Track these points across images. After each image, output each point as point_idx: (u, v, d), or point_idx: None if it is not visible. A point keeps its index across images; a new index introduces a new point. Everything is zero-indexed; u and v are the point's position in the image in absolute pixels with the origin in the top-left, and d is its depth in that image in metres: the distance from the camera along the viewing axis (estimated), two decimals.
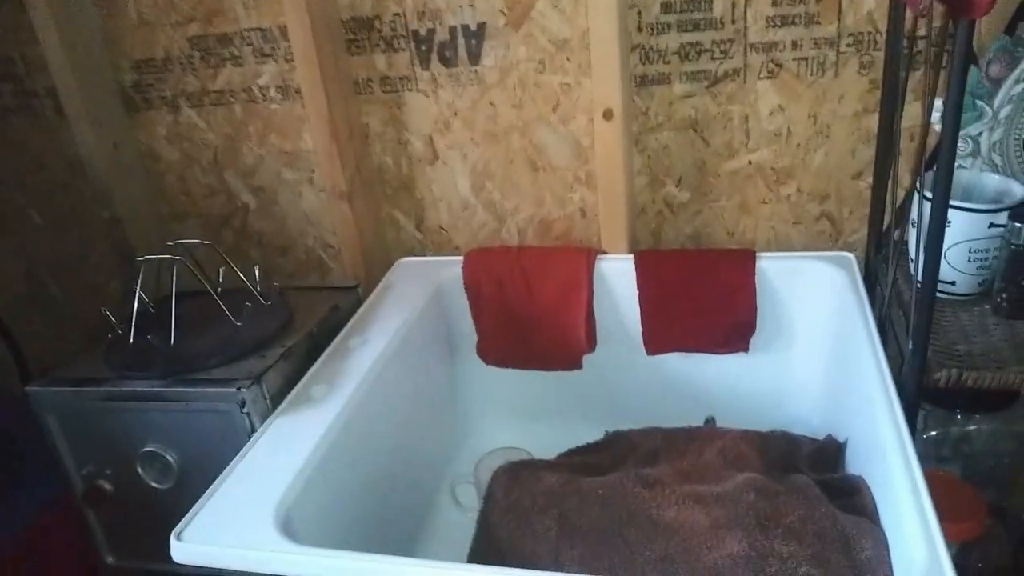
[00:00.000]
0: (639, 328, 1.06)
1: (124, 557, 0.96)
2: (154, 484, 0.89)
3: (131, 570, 0.97)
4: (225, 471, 0.74)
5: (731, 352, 1.04)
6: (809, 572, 0.63)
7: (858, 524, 0.67)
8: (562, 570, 0.69)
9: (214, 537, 0.67)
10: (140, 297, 0.95)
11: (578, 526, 0.74)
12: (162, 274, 0.96)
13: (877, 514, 0.69)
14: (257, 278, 1.00)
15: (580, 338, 1.06)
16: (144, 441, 0.87)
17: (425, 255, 1.20)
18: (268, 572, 0.67)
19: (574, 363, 1.09)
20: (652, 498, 0.74)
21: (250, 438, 0.81)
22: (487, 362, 1.12)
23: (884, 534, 0.65)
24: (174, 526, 0.89)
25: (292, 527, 0.68)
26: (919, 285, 0.68)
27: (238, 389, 0.81)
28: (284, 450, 0.76)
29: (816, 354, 0.99)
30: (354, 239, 1.14)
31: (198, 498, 0.72)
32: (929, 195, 0.63)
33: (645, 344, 1.06)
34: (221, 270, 1.01)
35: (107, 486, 0.91)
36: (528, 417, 1.13)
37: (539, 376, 1.12)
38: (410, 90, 1.09)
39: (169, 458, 0.87)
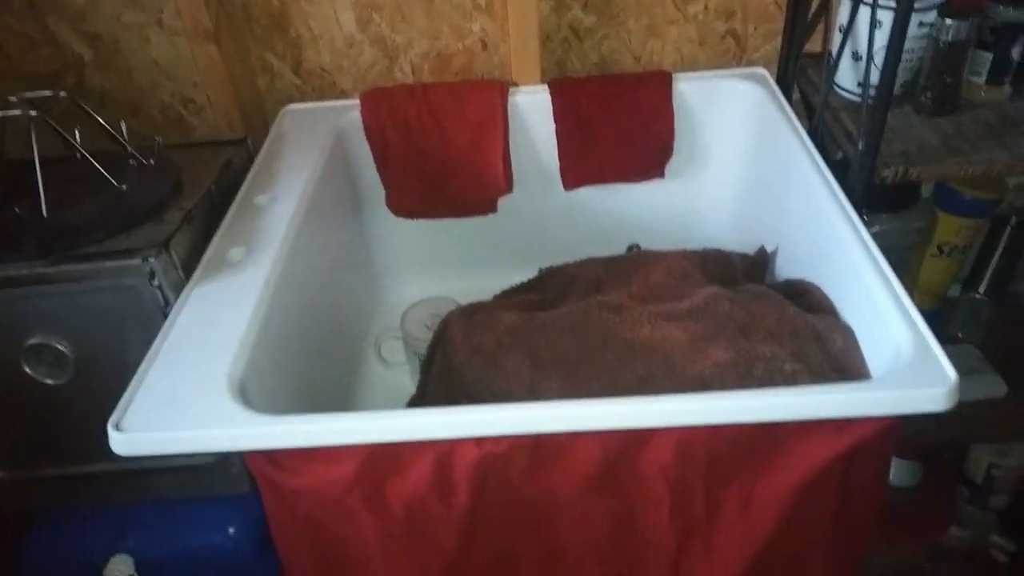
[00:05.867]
0: (554, 164, 1.02)
1: (15, 467, 0.84)
2: (46, 380, 0.76)
3: (24, 480, 0.85)
4: (152, 349, 0.64)
5: (648, 179, 1.03)
6: (793, 368, 0.65)
7: (825, 320, 0.69)
8: None
9: (161, 420, 0.58)
10: None
11: (551, 359, 0.72)
12: (4, 135, 0.79)
13: (835, 310, 0.71)
14: (126, 135, 0.84)
15: (498, 178, 1.00)
16: (28, 333, 0.73)
17: (305, 103, 1.06)
18: (235, 448, 0.59)
19: (490, 207, 1.04)
20: (622, 321, 0.72)
21: (164, 313, 0.70)
22: (398, 213, 1.04)
23: (850, 326, 0.68)
24: (78, 422, 0.79)
25: (248, 398, 0.61)
26: (873, 86, 0.67)
27: (144, 259, 0.69)
28: (216, 319, 0.67)
29: (731, 173, 1.00)
30: (226, 87, 1.00)
31: (104, 387, 0.62)
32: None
33: (563, 178, 1.02)
34: (77, 130, 0.84)
35: None
36: (448, 268, 1.08)
37: (454, 224, 1.06)
38: None
39: (61, 348, 0.74)
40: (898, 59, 0.64)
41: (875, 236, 0.95)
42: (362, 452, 0.58)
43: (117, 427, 0.58)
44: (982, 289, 1.09)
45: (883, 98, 0.67)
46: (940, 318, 1.12)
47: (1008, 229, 1.06)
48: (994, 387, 1.01)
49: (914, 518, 1.22)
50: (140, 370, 0.62)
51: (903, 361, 0.57)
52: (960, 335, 1.10)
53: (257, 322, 0.67)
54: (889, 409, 0.56)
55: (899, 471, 1.23)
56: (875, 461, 0.63)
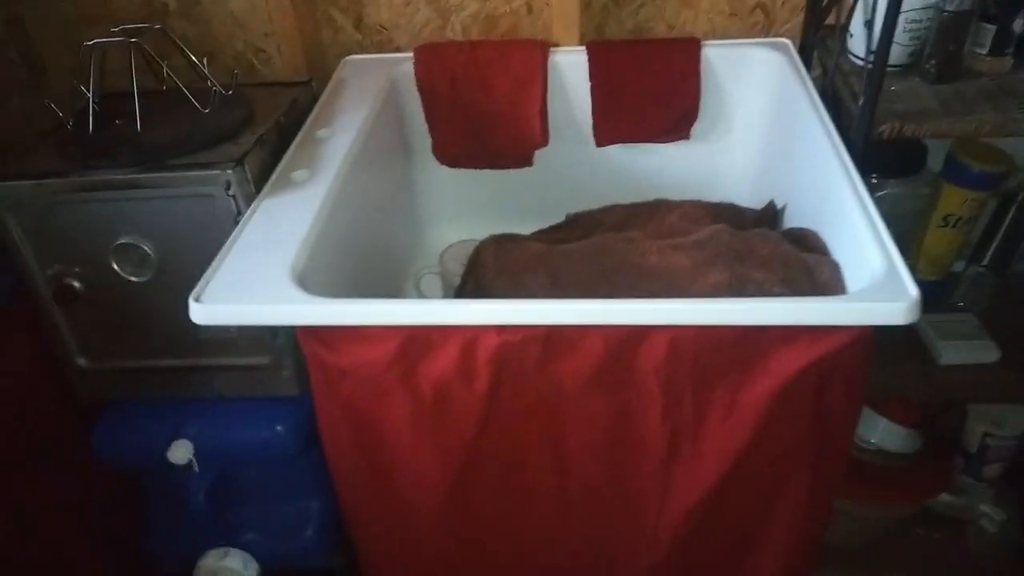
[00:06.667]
0: (587, 121, 1.11)
1: (96, 358, 0.96)
2: (131, 278, 0.88)
3: (104, 371, 0.97)
4: (228, 242, 0.75)
5: (674, 140, 1.11)
6: (781, 291, 0.73)
7: (815, 256, 0.77)
8: None
9: (233, 296, 0.69)
10: (82, 92, 0.90)
11: (569, 280, 0.81)
12: (104, 66, 0.91)
13: (827, 250, 0.79)
14: (207, 71, 0.96)
15: (535, 132, 1.09)
16: (118, 234, 0.85)
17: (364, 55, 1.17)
18: (292, 322, 0.70)
19: (526, 160, 1.13)
20: (635, 250, 0.81)
21: (236, 221, 0.81)
22: (442, 161, 1.14)
23: (837, 262, 0.76)
24: (155, 318, 0.91)
25: (306, 285, 0.71)
26: (873, 47, 0.75)
27: (222, 170, 0.80)
28: (281, 224, 0.77)
29: (753, 137, 1.08)
30: (295, 36, 1.10)
31: (180, 287, 0.71)
32: None
33: (595, 135, 1.11)
34: (165, 65, 0.96)
35: (77, 284, 0.89)
36: (485, 215, 1.17)
37: (493, 174, 1.15)
38: None
39: (146, 248, 0.86)
40: (894, 22, 0.72)
41: (884, 199, 1.03)
42: (399, 334, 0.69)
43: (197, 299, 0.69)
44: (985, 262, 1.15)
45: (881, 59, 0.75)
46: (944, 288, 1.19)
47: (1014, 206, 1.12)
48: (988, 352, 1.07)
49: (908, 482, 1.28)
50: (217, 257, 0.73)
51: (874, 281, 0.65)
52: (962, 305, 1.17)
53: (316, 228, 0.77)
54: (857, 319, 0.64)
55: (899, 438, 1.29)
56: (848, 376, 0.71)
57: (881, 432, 1.28)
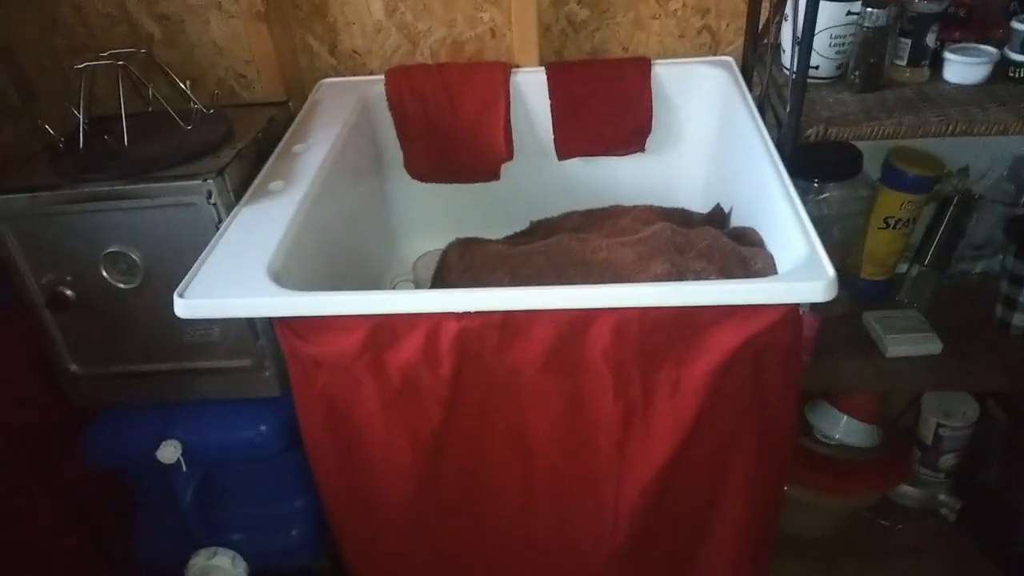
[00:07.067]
0: (549, 137, 1.18)
1: (88, 364, 1.01)
2: (120, 284, 0.94)
3: (95, 376, 1.02)
4: (209, 244, 0.81)
5: (630, 153, 1.19)
6: (718, 280, 0.80)
7: (751, 249, 0.84)
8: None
9: (215, 291, 0.75)
10: (72, 114, 0.97)
11: (526, 275, 0.88)
12: (93, 90, 0.98)
13: (763, 244, 0.86)
14: (189, 92, 1.03)
15: (500, 147, 1.17)
16: (107, 243, 0.91)
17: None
18: (268, 314, 0.76)
19: (493, 174, 1.21)
20: (586, 247, 0.88)
21: (217, 228, 0.87)
22: (413, 176, 1.21)
23: (771, 254, 0.83)
24: (142, 324, 0.96)
25: (281, 284, 0.77)
26: (796, 56, 0.83)
27: (204, 180, 0.87)
28: (259, 229, 0.84)
29: (702, 147, 1.16)
30: (272, 61, 1.18)
31: (165, 293, 0.77)
32: None
33: (557, 150, 1.18)
34: (151, 87, 1.03)
35: (69, 292, 0.94)
36: (454, 225, 1.23)
37: (461, 188, 1.23)
38: None
39: (134, 256, 0.92)
40: (811, 36, 0.80)
41: (826, 201, 1.11)
42: (366, 324, 0.75)
43: (181, 295, 0.75)
44: (927, 262, 1.23)
45: (802, 68, 0.83)
46: (890, 287, 1.26)
47: (951, 208, 1.20)
48: (931, 344, 1.14)
49: (868, 473, 1.35)
50: (200, 259, 0.79)
51: (797, 264, 0.72)
52: (906, 302, 1.24)
53: (292, 232, 0.84)
54: (782, 297, 0.71)
55: (860, 434, 1.35)
56: (782, 355, 0.77)
57: (843, 428, 1.35)
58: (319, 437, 0.87)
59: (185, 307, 0.75)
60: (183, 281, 0.76)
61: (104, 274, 0.93)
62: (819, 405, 1.37)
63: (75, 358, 1.01)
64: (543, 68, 1.15)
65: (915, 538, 1.42)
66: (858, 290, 1.24)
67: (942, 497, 1.41)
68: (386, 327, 0.75)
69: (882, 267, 1.24)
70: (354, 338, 0.75)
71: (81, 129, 0.92)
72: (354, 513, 0.93)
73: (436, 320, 0.74)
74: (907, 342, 1.15)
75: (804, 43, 0.83)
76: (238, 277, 0.76)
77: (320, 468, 0.90)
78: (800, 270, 0.72)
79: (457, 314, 0.74)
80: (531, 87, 1.16)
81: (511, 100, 1.15)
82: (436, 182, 1.22)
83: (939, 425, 1.34)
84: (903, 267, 1.27)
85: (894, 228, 1.19)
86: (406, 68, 1.18)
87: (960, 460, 1.38)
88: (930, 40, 0.95)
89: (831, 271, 0.70)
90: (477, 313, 0.73)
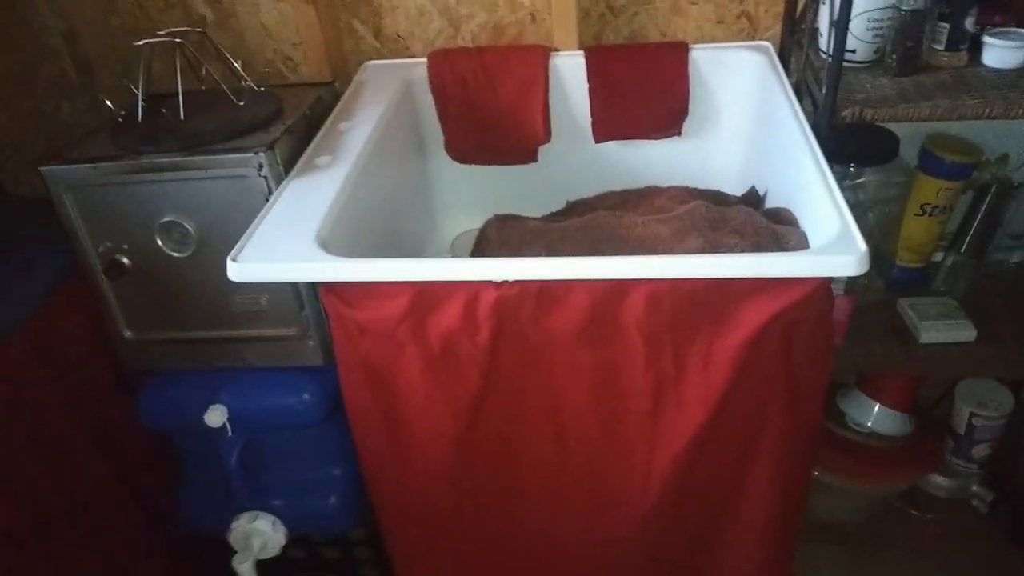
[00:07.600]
0: (586, 119, 1.21)
1: (142, 329, 1.06)
2: (174, 253, 0.98)
3: (147, 341, 1.07)
4: (260, 213, 0.85)
5: (666, 136, 1.20)
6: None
7: (784, 227, 0.86)
8: None
9: (265, 256, 0.79)
10: (130, 90, 1.02)
11: (562, 249, 0.90)
12: (150, 70, 1.02)
13: (799, 224, 0.88)
14: (241, 71, 1.07)
15: (538, 130, 1.19)
16: (162, 213, 0.96)
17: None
18: (316, 278, 0.80)
19: (531, 156, 1.23)
20: (622, 223, 0.90)
21: (267, 200, 0.91)
22: (454, 158, 1.24)
23: (804, 232, 0.85)
24: (194, 292, 1.01)
25: (328, 251, 0.81)
26: (833, 37, 0.84)
27: (255, 153, 0.91)
28: (307, 200, 0.88)
29: (739, 131, 1.17)
30: (319, 43, 1.22)
31: (216, 262, 0.81)
32: None
33: (594, 133, 1.20)
34: (205, 66, 1.08)
35: (125, 260, 0.99)
36: (493, 206, 1.25)
37: (499, 169, 1.25)
38: None
39: (188, 226, 0.96)
40: (847, 19, 0.81)
41: (863, 186, 1.12)
42: (409, 290, 0.78)
43: (234, 259, 0.79)
44: (963, 250, 1.23)
45: (839, 51, 0.84)
46: (925, 275, 1.26)
47: (988, 197, 1.20)
48: (965, 331, 1.14)
49: (899, 461, 1.35)
50: (251, 226, 0.83)
51: (829, 239, 0.74)
52: (942, 289, 1.24)
53: (338, 204, 0.87)
54: (814, 271, 0.72)
55: (892, 422, 1.36)
56: (813, 330, 0.79)
57: (875, 416, 1.35)
58: (361, 402, 0.91)
59: (238, 271, 0.78)
60: (236, 246, 0.80)
61: (159, 243, 0.98)
62: (851, 392, 1.38)
63: (129, 324, 1.05)
64: (582, 52, 1.17)
65: (945, 528, 1.42)
66: (893, 277, 1.25)
67: (974, 488, 1.41)
68: (428, 294, 0.78)
69: (918, 254, 1.24)
70: (397, 304, 0.79)
71: (140, 104, 0.97)
72: (392, 477, 0.97)
73: (475, 288, 0.77)
74: (941, 328, 1.15)
75: (840, 25, 0.84)
76: (288, 244, 0.80)
77: (361, 432, 0.93)
78: (832, 244, 0.73)
79: (495, 283, 0.76)
80: (570, 71, 1.18)
81: (549, 83, 1.18)
82: (475, 163, 1.25)
83: (972, 415, 1.34)
84: (939, 256, 1.27)
85: (930, 215, 1.19)
86: (448, 51, 1.21)
87: (993, 451, 1.37)
88: (969, 24, 0.95)
89: (863, 246, 0.72)
90: (515, 282, 0.76)
